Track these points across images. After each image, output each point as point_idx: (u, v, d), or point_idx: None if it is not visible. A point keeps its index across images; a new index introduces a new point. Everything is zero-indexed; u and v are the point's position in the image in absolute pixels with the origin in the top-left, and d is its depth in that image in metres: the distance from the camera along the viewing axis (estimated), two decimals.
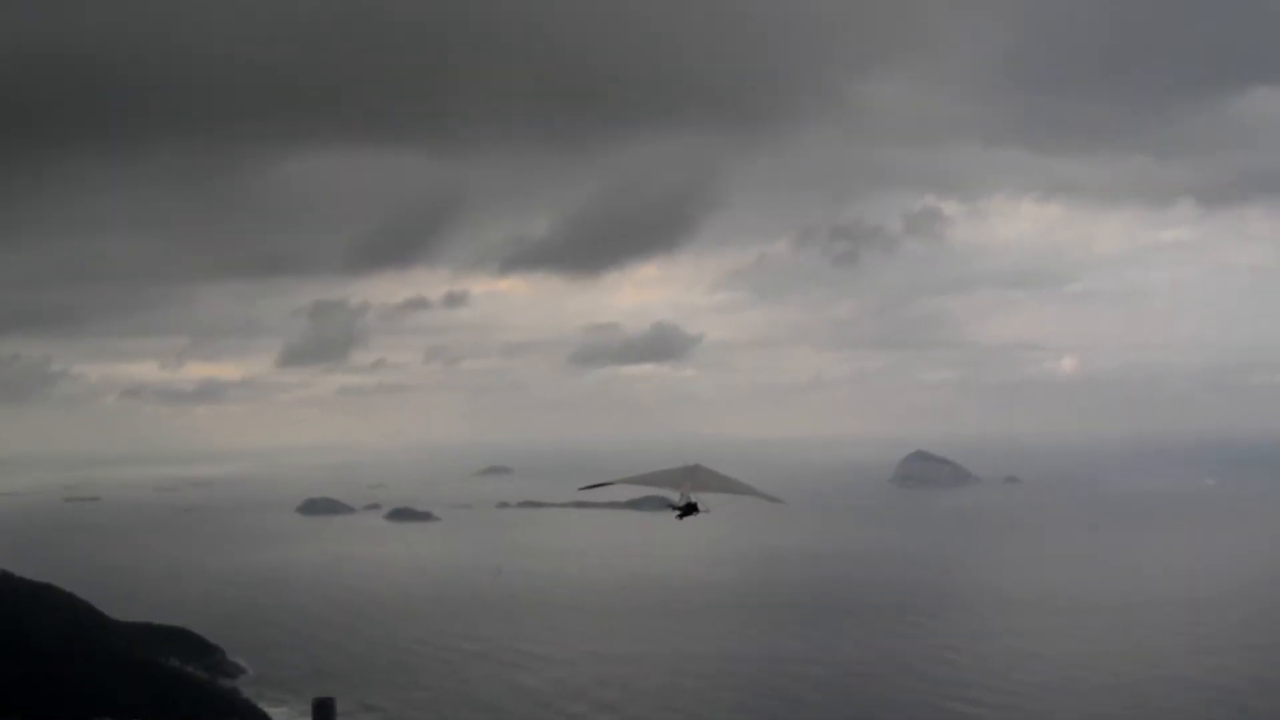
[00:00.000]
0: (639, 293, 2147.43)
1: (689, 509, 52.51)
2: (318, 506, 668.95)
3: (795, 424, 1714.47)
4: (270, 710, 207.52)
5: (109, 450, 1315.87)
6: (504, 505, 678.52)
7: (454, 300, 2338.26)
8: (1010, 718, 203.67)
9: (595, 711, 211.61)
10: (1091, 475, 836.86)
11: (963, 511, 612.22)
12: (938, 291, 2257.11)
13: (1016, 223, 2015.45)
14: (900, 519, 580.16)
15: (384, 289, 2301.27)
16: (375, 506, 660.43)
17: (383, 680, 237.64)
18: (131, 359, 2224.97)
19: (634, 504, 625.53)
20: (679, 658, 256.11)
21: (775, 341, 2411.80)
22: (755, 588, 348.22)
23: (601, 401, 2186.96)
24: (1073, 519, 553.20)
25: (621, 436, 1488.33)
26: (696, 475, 52.59)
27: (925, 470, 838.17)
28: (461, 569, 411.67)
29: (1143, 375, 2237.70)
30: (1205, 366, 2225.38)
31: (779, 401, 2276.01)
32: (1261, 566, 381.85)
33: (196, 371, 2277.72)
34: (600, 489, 61.88)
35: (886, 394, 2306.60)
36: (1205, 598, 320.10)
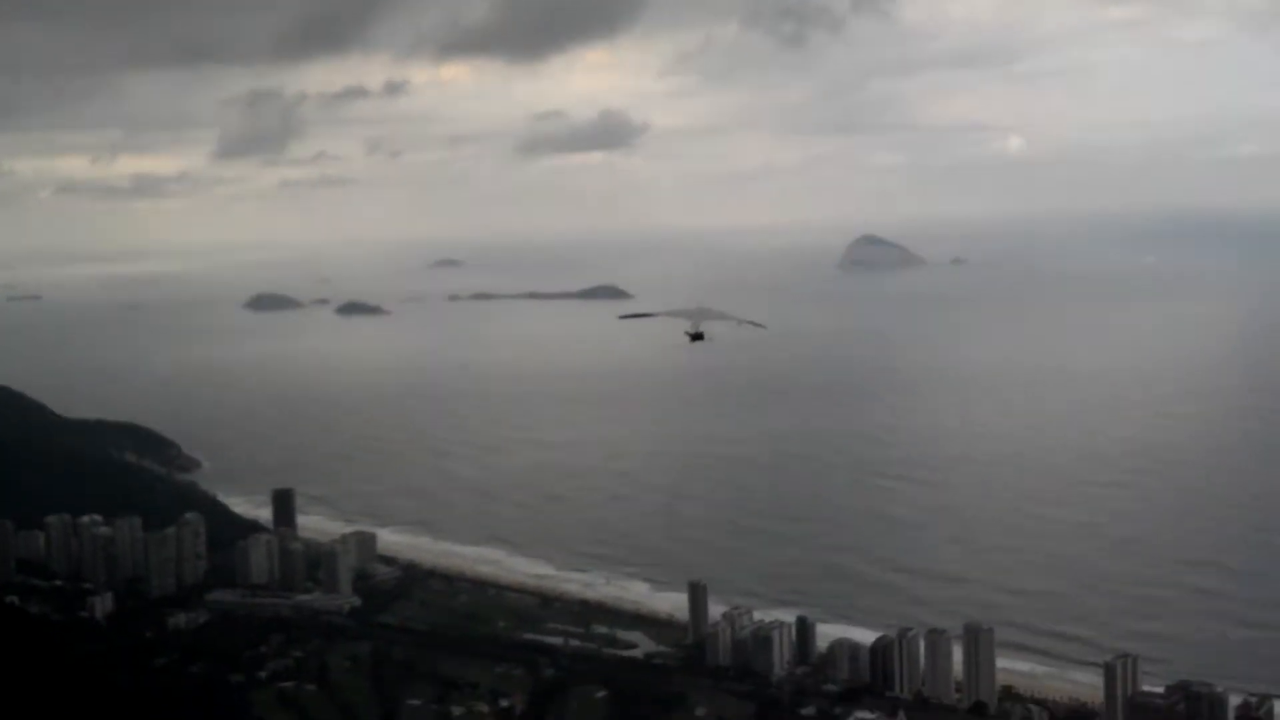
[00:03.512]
0: (584, 79, 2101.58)
1: (698, 336, 69.19)
2: (266, 302, 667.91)
3: (745, 212, 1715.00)
4: (229, 501, 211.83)
5: (46, 248, 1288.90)
6: (455, 298, 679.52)
7: (393, 89, 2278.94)
8: (935, 493, 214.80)
9: (543, 501, 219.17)
10: (1035, 255, 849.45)
11: (907, 294, 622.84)
12: (886, 74, 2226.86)
13: None
14: (845, 302, 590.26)
15: (320, 77, 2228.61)
16: (324, 301, 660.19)
17: (334, 472, 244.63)
18: (62, 153, 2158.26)
19: (586, 294, 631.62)
20: (619, 441, 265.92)
21: (724, 128, 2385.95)
22: (699, 373, 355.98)
23: (549, 192, 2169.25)
24: (1013, 298, 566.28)
25: (572, 228, 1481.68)
26: (702, 312, 70.74)
27: (872, 254, 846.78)
28: (414, 362, 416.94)
29: (1088, 155, 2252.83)
30: (1150, 144, 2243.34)
31: (729, 190, 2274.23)
32: (1183, 342, 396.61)
33: (130, 166, 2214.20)
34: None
35: (835, 179, 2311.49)
36: (1130, 372, 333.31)
